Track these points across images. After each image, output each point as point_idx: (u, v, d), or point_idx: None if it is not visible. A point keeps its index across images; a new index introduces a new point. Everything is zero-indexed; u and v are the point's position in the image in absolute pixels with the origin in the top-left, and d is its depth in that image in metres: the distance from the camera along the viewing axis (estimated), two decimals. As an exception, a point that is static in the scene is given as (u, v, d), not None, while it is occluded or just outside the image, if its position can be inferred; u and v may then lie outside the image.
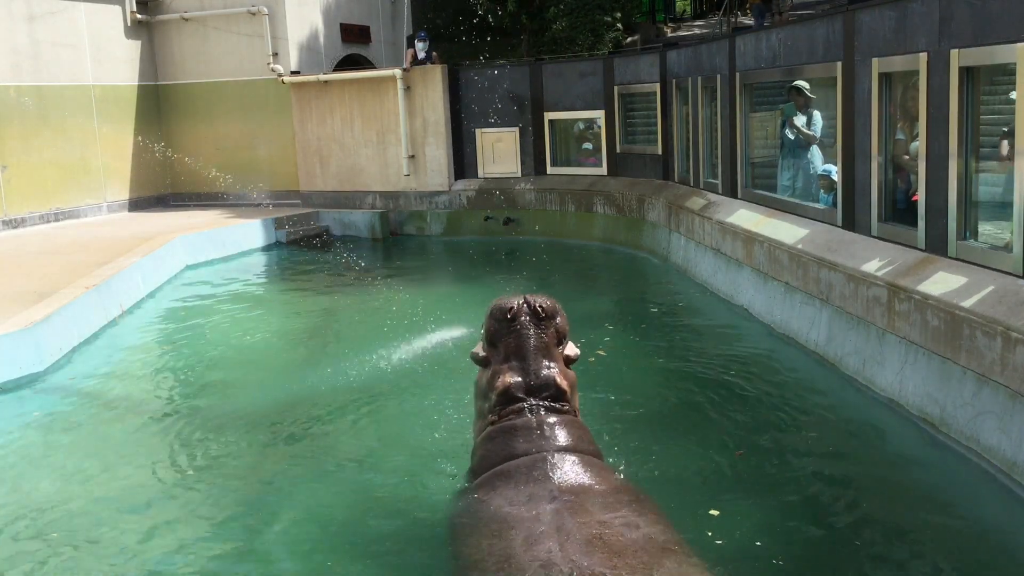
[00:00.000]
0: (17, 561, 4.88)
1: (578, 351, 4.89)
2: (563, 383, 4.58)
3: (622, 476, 4.68)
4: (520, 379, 4.54)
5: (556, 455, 4.29)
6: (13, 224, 15.56)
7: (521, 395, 4.52)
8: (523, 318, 4.63)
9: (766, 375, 7.69)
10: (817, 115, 9.65)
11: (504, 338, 4.64)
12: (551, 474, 4.19)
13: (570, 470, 4.25)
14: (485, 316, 4.79)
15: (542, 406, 4.51)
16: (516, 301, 4.70)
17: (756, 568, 4.45)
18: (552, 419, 4.47)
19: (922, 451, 5.87)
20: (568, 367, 4.77)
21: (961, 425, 5.69)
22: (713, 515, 4.92)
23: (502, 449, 4.41)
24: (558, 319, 4.73)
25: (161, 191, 18.61)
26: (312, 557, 4.77)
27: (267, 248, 15.50)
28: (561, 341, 4.76)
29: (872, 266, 7.02)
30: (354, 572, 4.61)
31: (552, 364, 4.60)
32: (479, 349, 4.84)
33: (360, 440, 6.41)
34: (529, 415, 4.48)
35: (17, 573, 4.77)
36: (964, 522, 5.01)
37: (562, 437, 4.41)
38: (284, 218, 16.14)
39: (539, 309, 4.65)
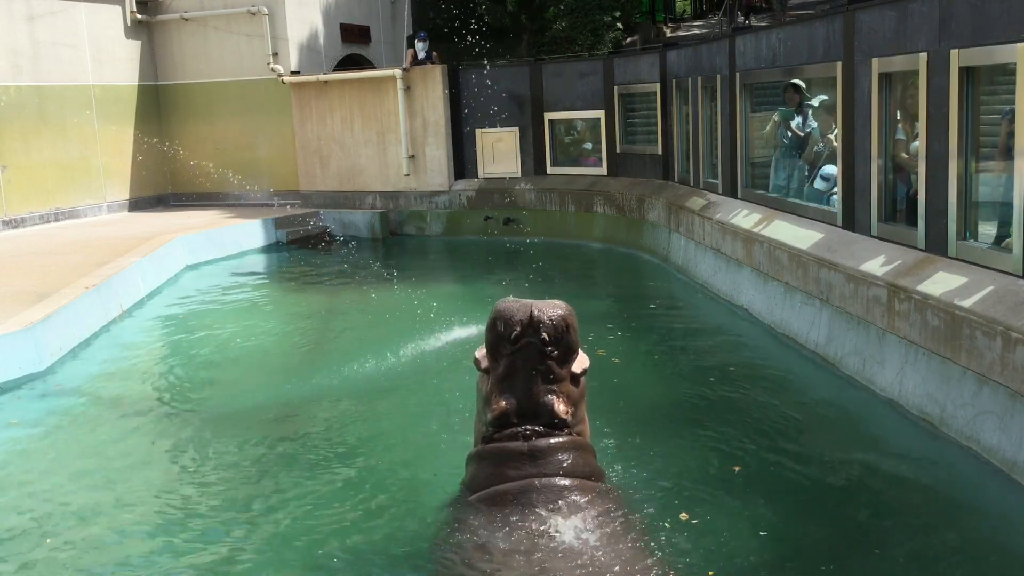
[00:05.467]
0: (16, 561, 4.88)
1: (586, 364, 4.51)
2: (562, 409, 4.34)
3: (615, 497, 4.57)
4: (516, 403, 4.31)
5: (544, 483, 4.23)
6: (13, 224, 15.55)
7: (516, 420, 4.32)
8: (528, 339, 4.28)
9: (766, 375, 7.69)
10: (811, 114, 9.66)
11: (506, 355, 4.34)
12: (536, 504, 4.16)
13: (557, 499, 4.20)
14: (489, 321, 4.48)
15: (537, 432, 4.32)
16: (521, 318, 4.30)
17: (754, 570, 4.44)
18: (544, 443, 4.30)
19: (922, 451, 5.87)
20: (575, 383, 4.47)
21: (961, 425, 5.69)
22: (710, 517, 4.92)
23: (492, 472, 4.35)
24: (566, 337, 4.36)
25: (161, 191, 18.62)
26: (308, 558, 4.76)
27: (267, 248, 15.50)
28: (569, 357, 4.41)
29: (872, 266, 7.02)
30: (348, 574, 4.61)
31: (553, 388, 4.33)
32: (481, 356, 4.55)
33: (359, 441, 6.41)
34: (522, 440, 4.31)
35: (16, 573, 4.77)
36: (964, 522, 5.00)
37: (555, 463, 4.30)
38: (284, 218, 16.15)
39: (544, 334, 4.27)
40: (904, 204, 7.41)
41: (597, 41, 20.33)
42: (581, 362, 4.51)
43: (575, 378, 4.46)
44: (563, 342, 4.35)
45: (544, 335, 4.28)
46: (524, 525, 4.11)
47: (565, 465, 4.32)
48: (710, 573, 4.33)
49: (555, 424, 4.35)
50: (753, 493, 5.26)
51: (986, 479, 5.33)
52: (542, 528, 4.10)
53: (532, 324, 4.29)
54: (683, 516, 4.83)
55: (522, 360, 4.30)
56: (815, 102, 9.44)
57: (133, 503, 5.56)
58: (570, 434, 4.43)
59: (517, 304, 4.41)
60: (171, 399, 7.79)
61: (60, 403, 7.60)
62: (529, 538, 4.04)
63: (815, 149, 9.53)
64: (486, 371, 4.51)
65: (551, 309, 4.37)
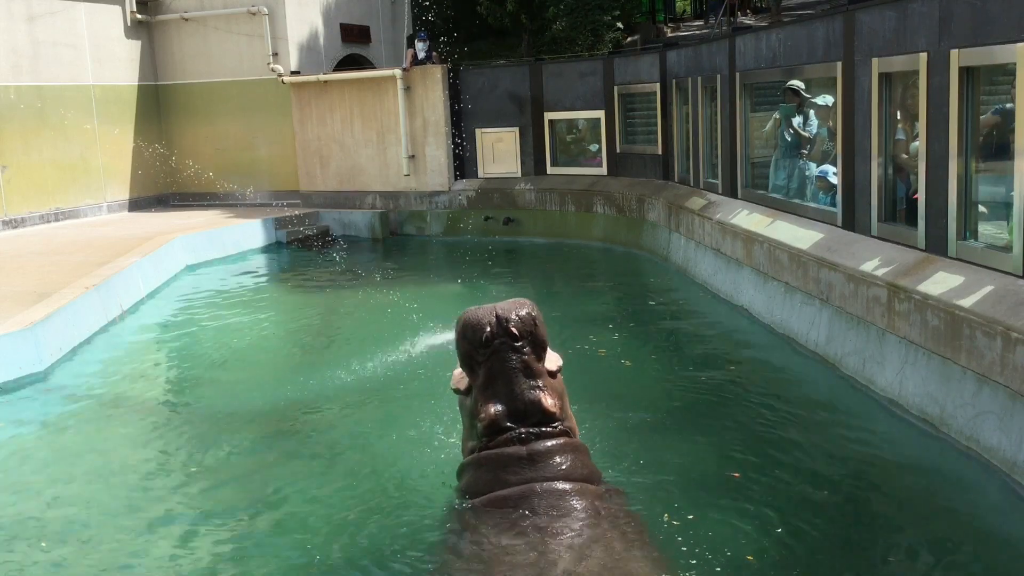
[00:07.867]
0: (15, 561, 4.88)
1: (560, 361, 4.58)
2: (549, 403, 4.35)
3: (616, 500, 4.56)
4: (505, 408, 4.32)
5: (545, 488, 4.22)
6: (13, 224, 15.56)
7: (508, 424, 4.33)
8: (499, 341, 4.31)
9: (765, 375, 7.69)
10: (812, 114, 9.66)
11: (482, 363, 4.37)
12: (538, 509, 4.15)
13: (558, 504, 4.19)
14: (456, 335, 4.50)
15: (532, 433, 4.33)
16: (489, 320, 4.33)
17: (757, 571, 4.44)
18: (542, 446, 4.31)
19: (922, 451, 5.87)
20: (552, 378, 4.50)
21: (961, 425, 5.69)
22: (711, 518, 4.92)
23: (492, 478, 4.33)
24: (535, 331, 4.39)
25: (161, 191, 18.62)
26: (308, 558, 4.76)
27: (267, 248, 15.50)
28: (541, 352, 4.45)
29: (872, 266, 7.02)
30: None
31: (535, 383, 4.36)
32: (458, 379, 4.56)
33: (358, 442, 6.40)
34: (519, 444, 4.31)
35: (14, 574, 4.77)
36: (964, 522, 5.00)
37: (553, 466, 4.30)
38: (284, 218, 16.15)
39: (514, 331, 4.31)
40: (904, 204, 7.41)
41: (597, 41, 20.34)
42: (554, 359, 4.55)
43: (551, 375, 4.49)
44: (533, 336, 4.39)
45: (514, 330, 4.32)
46: (527, 531, 4.09)
47: (564, 468, 4.31)
48: (749, 557, 4.33)
49: (546, 420, 4.36)
50: (754, 494, 5.25)
51: (986, 479, 5.33)
52: (545, 534, 4.08)
53: (500, 324, 4.33)
54: (673, 517, 4.82)
55: (499, 363, 4.33)
56: (819, 101, 9.43)
57: (132, 503, 5.56)
58: (564, 432, 4.44)
59: (480, 310, 4.45)
60: (170, 399, 7.80)
61: (60, 403, 7.60)
62: (533, 544, 4.02)
63: (823, 149, 9.51)
64: (467, 390, 4.51)
65: (515, 307, 4.42)
